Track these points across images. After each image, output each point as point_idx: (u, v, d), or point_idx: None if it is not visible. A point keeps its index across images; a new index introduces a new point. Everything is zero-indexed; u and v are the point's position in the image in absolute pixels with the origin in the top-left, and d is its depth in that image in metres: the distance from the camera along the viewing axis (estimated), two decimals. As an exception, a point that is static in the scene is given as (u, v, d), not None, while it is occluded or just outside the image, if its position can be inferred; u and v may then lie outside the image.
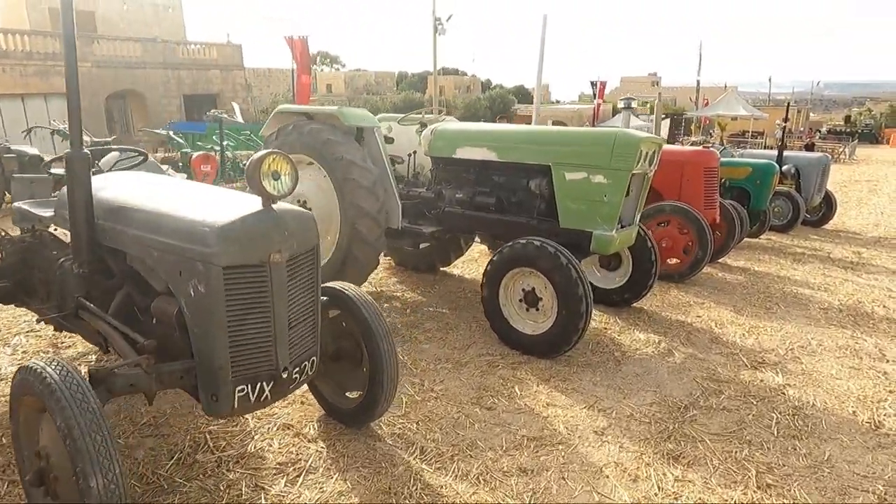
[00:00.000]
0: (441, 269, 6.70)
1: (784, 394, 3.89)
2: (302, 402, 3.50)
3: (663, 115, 8.93)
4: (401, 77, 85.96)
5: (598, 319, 5.19)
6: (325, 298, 2.97)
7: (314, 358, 2.69)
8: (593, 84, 58.03)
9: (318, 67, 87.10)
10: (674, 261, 6.61)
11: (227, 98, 29.36)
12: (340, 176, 5.01)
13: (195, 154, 11.83)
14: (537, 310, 4.38)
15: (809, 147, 32.82)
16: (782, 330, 5.10)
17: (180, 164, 12.46)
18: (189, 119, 25.20)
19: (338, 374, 3.25)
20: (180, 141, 15.73)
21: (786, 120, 10.78)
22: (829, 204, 10.79)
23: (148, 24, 30.01)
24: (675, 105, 64.93)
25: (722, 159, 9.23)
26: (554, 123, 47.80)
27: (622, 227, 4.68)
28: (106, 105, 25.44)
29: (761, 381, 4.09)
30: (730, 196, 9.06)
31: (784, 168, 10.46)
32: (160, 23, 30.48)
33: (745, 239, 9.20)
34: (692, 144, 11.72)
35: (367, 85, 73.79)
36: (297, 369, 2.55)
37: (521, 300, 4.44)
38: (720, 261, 7.63)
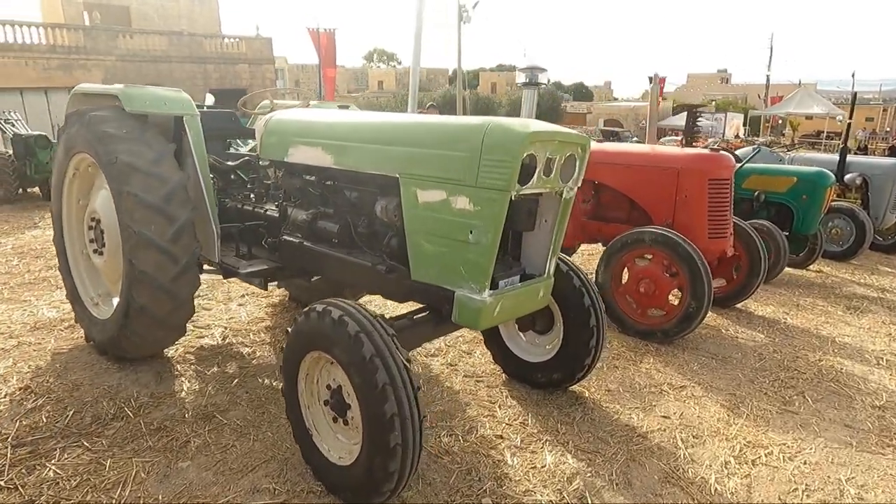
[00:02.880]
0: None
1: None
2: None
3: (679, 105, 6.93)
4: (455, 74, 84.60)
5: (499, 418, 3.35)
6: None
7: None
8: (651, 79, 54.82)
9: (375, 64, 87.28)
10: (656, 312, 4.64)
11: (255, 92, 28.55)
12: (116, 186, 3.39)
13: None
14: (346, 423, 2.59)
15: (894, 150, 29.01)
16: (798, 458, 3.09)
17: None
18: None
19: None
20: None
21: (850, 116, 8.40)
22: (908, 224, 8.32)
23: (182, 17, 29.61)
24: (745, 103, 60.64)
25: (756, 166, 7.10)
26: (606, 123, 45.05)
27: (511, 282, 2.83)
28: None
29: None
30: (766, 215, 6.92)
31: (847, 178, 8.12)
32: (195, 16, 30.02)
33: (788, 270, 7.02)
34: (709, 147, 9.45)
35: (419, 81, 72.80)
36: None
37: (326, 403, 2.66)
38: (739, 305, 5.56)
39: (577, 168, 2.82)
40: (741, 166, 7.03)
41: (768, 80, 43.39)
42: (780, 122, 51.82)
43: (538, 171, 2.56)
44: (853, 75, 64.92)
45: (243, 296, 5.36)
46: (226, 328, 4.58)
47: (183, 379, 3.70)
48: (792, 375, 4.04)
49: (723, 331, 4.92)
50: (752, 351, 4.48)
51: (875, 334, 5.00)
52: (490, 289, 2.65)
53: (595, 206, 5.52)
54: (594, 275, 4.81)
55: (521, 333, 3.72)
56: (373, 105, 43.77)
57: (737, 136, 46.06)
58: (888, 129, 44.28)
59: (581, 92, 76.72)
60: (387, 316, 2.57)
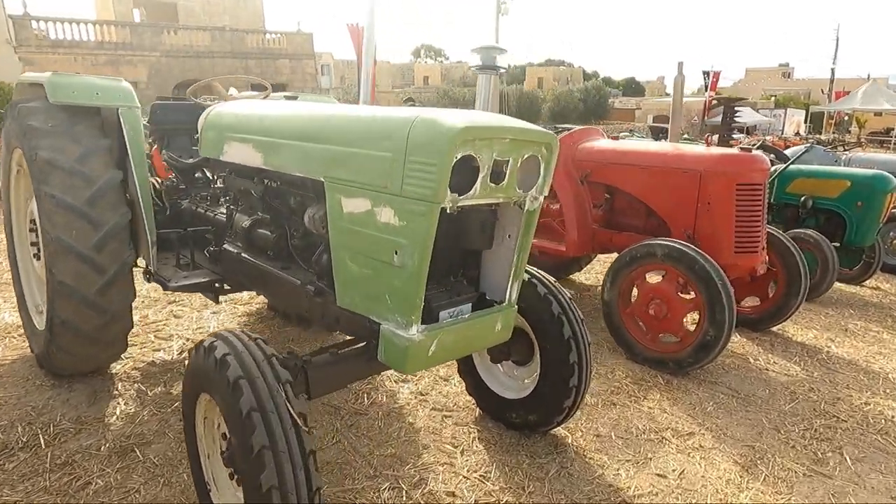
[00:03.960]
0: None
1: None
2: None
3: (715, 99, 6.14)
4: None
5: (457, 468, 2.82)
6: None
7: None
8: (706, 74, 52.96)
9: (423, 60, 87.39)
10: (669, 339, 4.00)
11: (296, 87, 28.70)
12: (37, 186, 3.03)
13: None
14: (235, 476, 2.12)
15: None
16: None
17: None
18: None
19: None
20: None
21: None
22: None
23: (226, 13, 30.00)
24: (808, 98, 57.64)
25: (804, 167, 6.29)
26: (656, 120, 43.27)
27: (459, 312, 2.29)
28: (173, 95, 25.50)
29: None
30: (815, 223, 6.12)
31: (913, 181, 7.14)
32: (238, 12, 30.37)
33: (839, 286, 6.20)
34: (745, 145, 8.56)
35: (463, 77, 72.31)
36: None
37: (223, 454, 2.19)
38: (775, 328, 4.83)
39: (541, 173, 2.26)
40: (785, 168, 6.24)
41: (833, 73, 40.83)
42: (845, 118, 48.71)
43: (482, 176, 2.02)
44: (929, 69, 60.55)
45: (221, 303, 5.00)
46: (188, 340, 4.21)
47: (119, 400, 3.32)
48: (829, 424, 3.34)
49: (751, 360, 4.23)
50: (782, 388, 3.79)
51: (939, 370, 4.21)
52: (425, 322, 2.13)
53: (608, 213, 4.89)
54: (601, 291, 4.21)
55: (498, 366, 3.18)
56: (411, 101, 43.43)
57: (797, 134, 43.70)
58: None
59: (632, 87, 74.32)
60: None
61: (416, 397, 3.49)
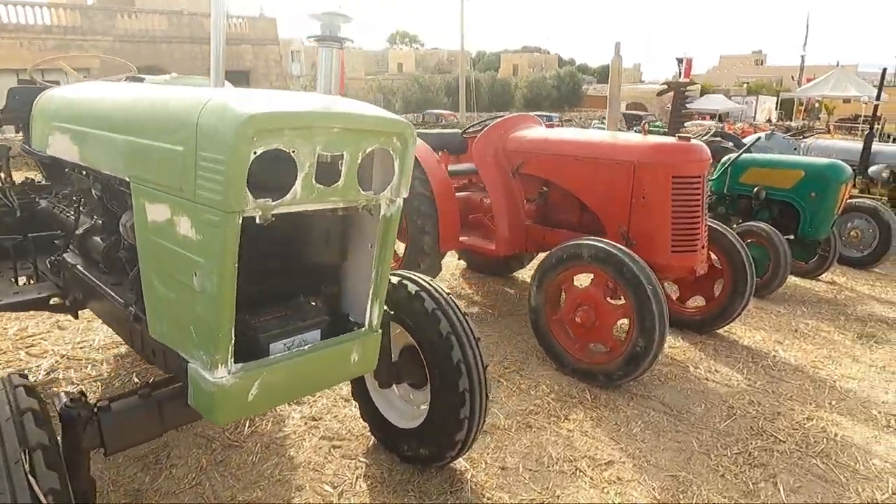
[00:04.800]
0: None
1: None
2: None
3: (665, 83, 5.68)
4: (479, 55, 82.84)
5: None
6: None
7: None
8: (679, 61, 53.17)
9: (398, 47, 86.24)
10: (599, 348, 3.63)
11: (259, 74, 27.86)
12: None
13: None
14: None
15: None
16: None
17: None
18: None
19: None
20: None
21: (878, 96, 7.14)
22: (945, 225, 7.04)
23: (188, -3, 28.87)
24: (780, 85, 58.22)
25: (757, 156, 5.98)
26: (629, 107, 43.10)
27: (301, 342, 1.86)
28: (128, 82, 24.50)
29: None
30: (768, 215, 5.81)
31: (872, 170, 6.90)
32: (200, -4, 29.25)
33: (795, 280, 5.92)
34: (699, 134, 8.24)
35: (438, 63, 71.56)
36: None
37: None
38: (722, 330, 4.51)
39: (396, 169, 1.82)
40: (738, 156, 5.92)
41: (803, 60, 41.10)
42: (816, 105, 49.09)
43: (302, 176, 1.58)
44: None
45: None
46: (64, 357, 3.72)
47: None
48: (765, 445, 2.99)
49: (690, 368, 3.88)
50: (720, 402, 3.44)
51: (890, 376, 3.91)
52: (248, 358, 1.70)
53: (542, 208, 4.49)
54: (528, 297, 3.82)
55: (395, 389, 2.77)
56: (382, 88, 42.67)
57: (768, 121, 43.96)
58: (933, 113, 41.51)
59: (608, 74, 74.27)
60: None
61: (306, 423, 3.07)
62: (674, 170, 3.65)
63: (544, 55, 71.19)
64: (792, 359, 4.11)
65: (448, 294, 2.50)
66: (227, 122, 1.43)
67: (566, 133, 4.26)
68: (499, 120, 4.58)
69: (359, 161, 1.69)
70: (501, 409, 3.25)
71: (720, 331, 4.50)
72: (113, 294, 2.21)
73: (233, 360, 1.65)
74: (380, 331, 2.06)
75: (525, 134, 4.42)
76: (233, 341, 1.63)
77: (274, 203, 1.56)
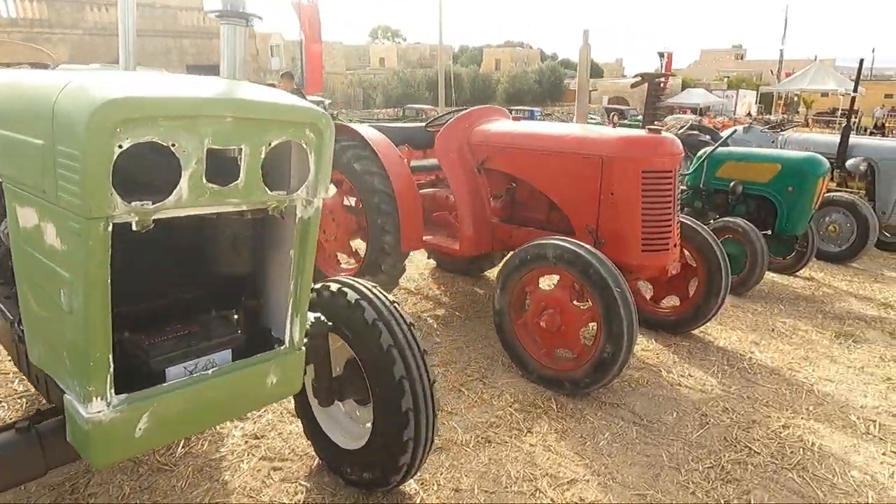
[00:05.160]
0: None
1: None
2: None
3: (638, 75, 5.47)
4: (462, 50, 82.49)
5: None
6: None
7: None
8: (660, 55, 53.22)
9: (380, 41, 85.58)
10: (565, 354, 3.42)
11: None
12: None
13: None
14: None
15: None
16: None
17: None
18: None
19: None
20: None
21: (856, 88, 7.02)
22: (922, 218, 6.96)
23: (160, -11, 28.16)
24: (760, 79, 58.78)
25: (734, 150, 5.83)
26: (611, 101, 43.07)
27: (207, 364, 1.62)
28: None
29: None
30: (745, 210, 5.66)
31: (849, 163, 6.79)
32: (173, -12, 28.56)
33: (772, 277, 5.79)
34: (682, 126, 8.09)
35: (420, 58, 71.06)
36: None
37: None
38: (698, 330, 4.33)
39: (312, 166, 1.58)
40: (713, 150, 5.75)
41: (781, 54, 41.41)
42: (795, 98, 49.61)
43: (187, 174, 1.33)
44: (873, 51, 62.50)
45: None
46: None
47: None
48: (739, 458, 2.81)
49: (663, 373, 3.70)
50: (693, 410, 3.25)
51: (868, 378, 3.75)
52: (137, 387, 1.46)
53: (508, 205, 4.27)
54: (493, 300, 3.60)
55: (341, 406, 2.54)
56: (363, 83, 42.23)
57: (748, 114, 44.33)
58: (909, 106, 42.05)
59: (591, 69, 74.20)
60: None
61: (246, 441, 2.82)
62: (643, 164, 3.44)
63: (527, 50, 71.03)
64: (768, 360, 3.95)
65: (392, 302, 2.27)
66: (82, 110, 1.18)
67: (532, 126, 4.04)
68: (463, 113, 4.34)
69: (261, 156, 1.45)
70: (461, 422, 3.03)
71: (695, 331, 4.33)
72: (3, 308, 1.95)
73: (112, 390, 1.40)
74: (302, 349, 1.82)
75: (490, 127, 4.20)
76: (110, 369, 1.39)
77: (153, 207, 1.31)
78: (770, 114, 39.73)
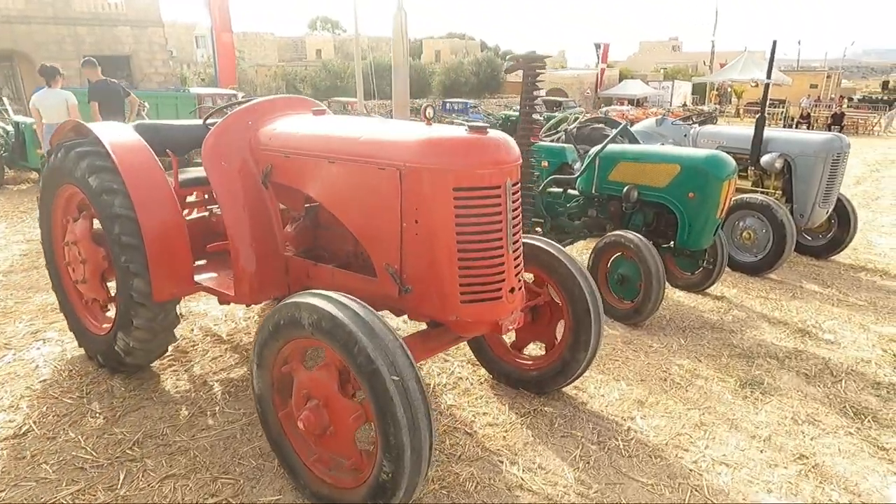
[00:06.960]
0: None
1: None
2: None
3: (512, 58, 4.66)
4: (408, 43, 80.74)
5: None
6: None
7: None
8: (597, 46, 53.12)
9: (319, 32, 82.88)
10: (342, 472, 2.31)
11: (142, 60, 25.15)
12: None
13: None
14: None
15: (838, 119, 27.68)
16: None
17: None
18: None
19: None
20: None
21: (769, 75, 6.22)
22: (843, 218, 6.24)
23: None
24: (695, 71, 59.79)
25: (627, 148, 4.89)
26: (549, 93, 42.49)
27: None
28: None
29: None
30: (642, 222, 4.73)
31: (764, 160, 5.98)
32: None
33: (677, 297, 4.89)
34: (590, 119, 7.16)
35: (359, 49, 69.11)
36: None
37: None
38: (568, 388, 3.33)
39: None
40: (602, 148, 4.79)
41: (713, 46, 41.89)
42: (728, 89, 50.47)
43: None
44: (799, 43, 64.55)
45: None
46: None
47: None
48: None
49: (505, 464, 2.65)
50: (524, 541, 2.21)
51: (776, 456, 2.82)
52: None
53: (306, 233, 3.15)
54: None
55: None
56: (287, 75, 40.27)
57: (683, 105, 44.75)
58: (832, 96, 43.34)
59: (530, 60, 73.78)
60: None
61: None
62: (455, 178, 2.34)
63: (467, 41, 70.04)
64: (651, 433, 2.97)
65: None
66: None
67: (322, 123, 2.87)
68: (246, 105, 3.17)
69: None
70: None
71: (567, 388, 3.33)
72: None
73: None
74: None
75: (276, 126, 3.03)
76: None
77: None
78: (704, 104, 40.12)
